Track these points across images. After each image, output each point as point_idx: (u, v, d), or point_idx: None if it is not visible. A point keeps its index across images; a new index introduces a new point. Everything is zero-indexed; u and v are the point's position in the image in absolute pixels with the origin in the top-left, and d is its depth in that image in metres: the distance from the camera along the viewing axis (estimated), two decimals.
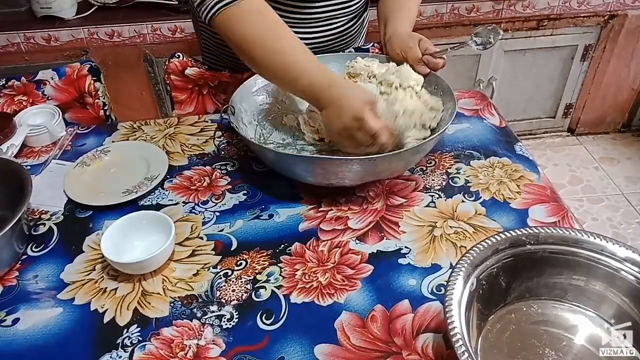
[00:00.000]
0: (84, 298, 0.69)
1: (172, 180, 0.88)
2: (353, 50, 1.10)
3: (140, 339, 0.64)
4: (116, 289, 0.70)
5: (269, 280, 0.71)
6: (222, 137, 0.98)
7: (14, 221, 0.69)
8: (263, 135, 0.93)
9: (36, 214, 0.82)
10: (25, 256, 0.76)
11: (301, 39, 0.99)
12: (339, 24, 1.02)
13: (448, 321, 0.54)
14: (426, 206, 0.83)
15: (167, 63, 1.11)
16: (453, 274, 0.59)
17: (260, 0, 0.82)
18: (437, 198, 0.84)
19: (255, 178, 0.89)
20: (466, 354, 0.50)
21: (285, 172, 0.82)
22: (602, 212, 1.97)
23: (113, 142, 0.98)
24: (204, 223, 0.80)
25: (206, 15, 0.82)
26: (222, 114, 1.04)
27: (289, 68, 0.79)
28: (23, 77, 1.05)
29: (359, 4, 1.03)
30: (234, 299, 0.69)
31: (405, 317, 0.66)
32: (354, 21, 1.06)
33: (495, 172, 0.89)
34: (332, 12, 0.99)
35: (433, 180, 0.88)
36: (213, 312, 0.67)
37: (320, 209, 0.82)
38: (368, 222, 0.80)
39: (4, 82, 1.04)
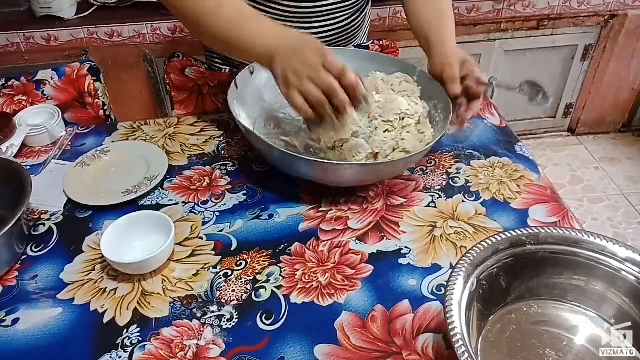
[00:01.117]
0: (84, 298, 0.69)
1: (172, 180, 0.88)
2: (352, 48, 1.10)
3: (140, 339, 0.64)
4: (116, 289, 0.70)
5: (269, 280, 0.71)
6: (222, 137, 0.98)
7: (14, 221, 0.69)
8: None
9: (36, 214, 0.82)
10: (24, 256, 0.75)
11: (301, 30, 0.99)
12: (340, 19, 1.02)
13: (448, 321, 0.54)
14: (426, 206, 0.82)
15: (166, 63, 1.11)
16: (453, 274, 0.59)
17: None
18: (438, 198, 0.84)
19: (255, 178, 0.89)
20: (466, 354, 0.50)
21: (281, 168, 0.82)
22: (602, 212, 1.97)
23: (113, 142, 0.98)
24: (203, 223, 0.80)
25: None
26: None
27: (236, 25, 0.77)
28: (23, 77, 1.04)
29: None
30: (233, 299, 0.69)
31: (406, 317, 0.66)
32: (355, 16, 1.05)
33: (495, 172, 0.89)
34: (334, 6, 0.99)
35: (433, 180, 0.88)
36: (213, 312, 0.67)
37: (320, 209, 0.82)
38: (368, 222, 0.80)
39: (3, 82, 1.04)
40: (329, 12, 0.99)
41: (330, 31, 1.03)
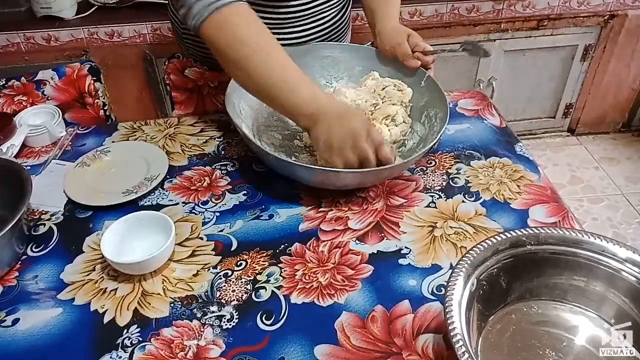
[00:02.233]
0: (84, 298, 0.69)
1: (172, 181, 0.88)
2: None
3: (140, 339, 0.64)
4: (116, 289, 0.70)
5: (269, 280, 0.71)
6: (222, 137, 0.98)
7: (14, 221, 0.69)
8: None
9: (36, 214, 0.82)
10: (25, 256, 0.76)
11: (292, 33, 0.99)
12: (329, 17, 1.02)
13: (448, 322, 0.54)
14: (426, 206, 0.83)
15: (167, 63, 1.11)
16: (453, 274, 0.59)
17: (246, 6, 0.81)
18: (438, 198, 0.84)
19: (255, 178, 0.89)
20: (466, 355, 0.50)
21: (281, 171, 0.83)
22: (602, 212, 1.97)
23: (113, 142, 0.98)
24: (204, 223, 0.80)
25: (193, 24, 0.80)
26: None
27: (285, 80, 0.78)
28: (23, 77, 1.05)
29: None
30: (234, 300, 0.69)
31: (406, 317, 0.66)
32: (341, 13, 1.06)
33: (495, 172, 0.89)
34: (321, 5, 0.99)
35: (433, 180, 0.88)
36: (213, 312, 0.67)
37: (320, 210, 0.82)
38: (368, 223, 0.80)
39: (4, 82, 1.04)
40: (317, 12, 0.99)
41: (320, 30, 1.02)
